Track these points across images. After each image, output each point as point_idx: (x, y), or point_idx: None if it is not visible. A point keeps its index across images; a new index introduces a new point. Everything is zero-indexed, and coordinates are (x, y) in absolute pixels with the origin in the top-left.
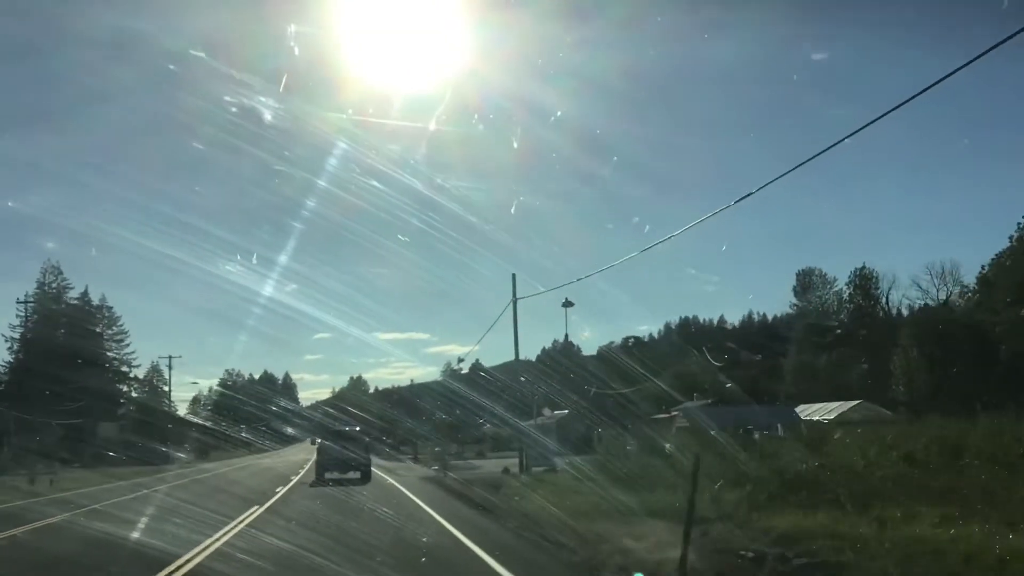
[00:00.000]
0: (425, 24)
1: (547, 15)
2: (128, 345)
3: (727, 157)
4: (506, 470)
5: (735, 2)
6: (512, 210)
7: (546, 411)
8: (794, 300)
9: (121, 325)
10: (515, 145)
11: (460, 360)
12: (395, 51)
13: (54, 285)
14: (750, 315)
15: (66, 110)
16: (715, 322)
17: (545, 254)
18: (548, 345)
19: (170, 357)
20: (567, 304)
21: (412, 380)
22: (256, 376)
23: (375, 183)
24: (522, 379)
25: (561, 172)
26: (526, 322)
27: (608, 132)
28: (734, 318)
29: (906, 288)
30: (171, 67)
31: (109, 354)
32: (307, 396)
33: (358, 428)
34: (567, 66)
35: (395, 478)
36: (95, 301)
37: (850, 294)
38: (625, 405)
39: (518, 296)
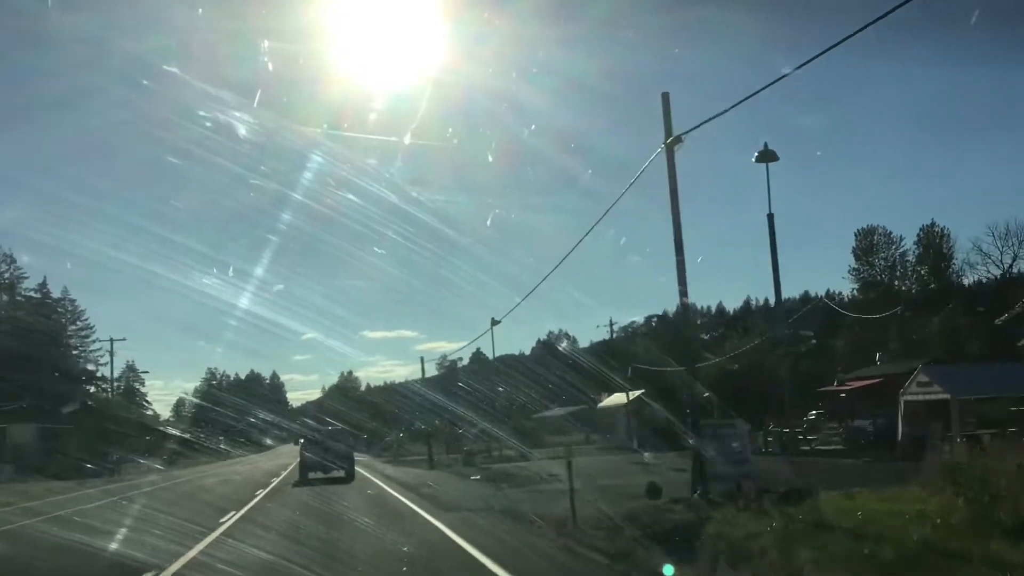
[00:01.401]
0: (398, 40)
1: (523, 32)
2: (94, 342)
3: (708, 160)
4: (653, 489)
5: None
6: (488, 222)
7: (603, 395)
8: (853, 264)
9: (86, 320)
10: (490, 158)
11: (496, 322)
12: (369, 66)
13: (7, 275)
14: (747, 301)
15: (38, 120)
16: (713, 308)
17: (521, 264)
18: (544, 337)
19: (111, 340)
20: (766, 156)
21: (422, 360)
22: (242, 376)
23: (351, 196)
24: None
25: (537, 181)
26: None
27: (586, 140)
28: (731, 305)
29: (967, 252)
30: (145, 82)
31: (74, 352)
32: (297, 397)
33: (340, 428)
34: (542, 78)
35: (437, 512)
36: (56, 294)
37: (918, 255)
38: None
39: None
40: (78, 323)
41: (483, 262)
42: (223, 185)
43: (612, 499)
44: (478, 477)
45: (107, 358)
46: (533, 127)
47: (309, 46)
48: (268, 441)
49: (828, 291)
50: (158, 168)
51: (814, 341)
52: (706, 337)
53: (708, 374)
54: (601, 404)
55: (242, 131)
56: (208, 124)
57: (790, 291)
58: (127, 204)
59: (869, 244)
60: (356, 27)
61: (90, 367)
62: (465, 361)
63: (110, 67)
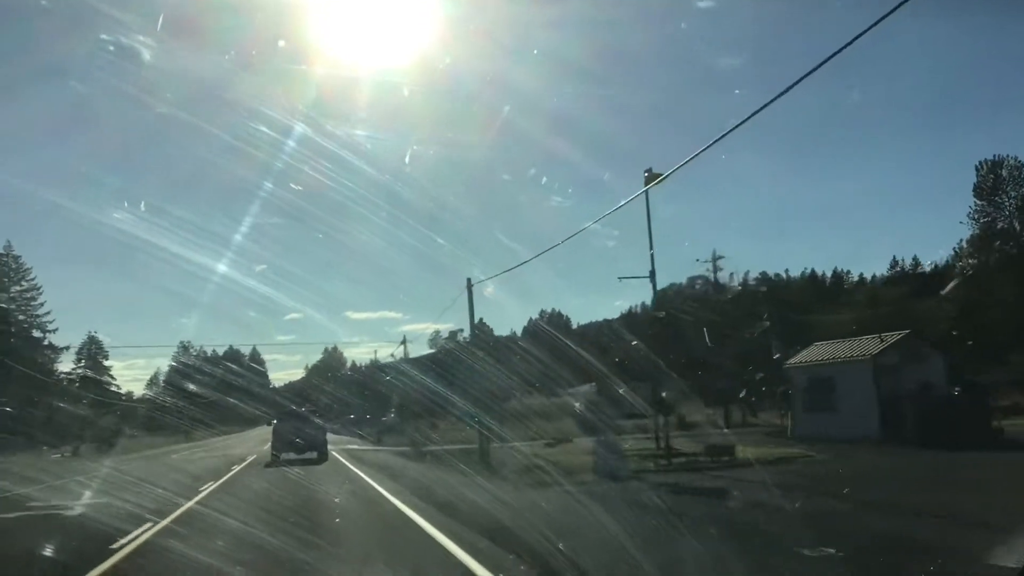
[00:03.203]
0: None
1: None
2: (42, 305)
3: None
4: None
5: None
6: (407, 158)
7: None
8: (976, 202)
9: (33, 280)
10: (406, 92)
11: (653, 186)
12: None
13: None
14: (746, 277)
15: None
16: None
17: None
18: (535, 316)
19: None
20: None
21: (473, 318)
22: (220, 352)
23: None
24: None
25: (456, 121)
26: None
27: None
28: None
29: None
30: (42, 2)
31: (20, 317)
32: (280, 376)
33: (313, 409)
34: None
35: None
36: None
37: None
38: None
39: None
40: (23, 283)
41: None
42: (130, 115)
43: None
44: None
45: (58, 324)
46: (448, 60)
47: None
48: (242, 421)
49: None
50: (58, 94)
51: None
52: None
53: None
54: (794, 361)
55: (146, 56)
56: (111, 48)
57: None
58: (22, 136)
59: (995, 180)
60: None
61: (36, 334)
62: (465, 333)
63: None
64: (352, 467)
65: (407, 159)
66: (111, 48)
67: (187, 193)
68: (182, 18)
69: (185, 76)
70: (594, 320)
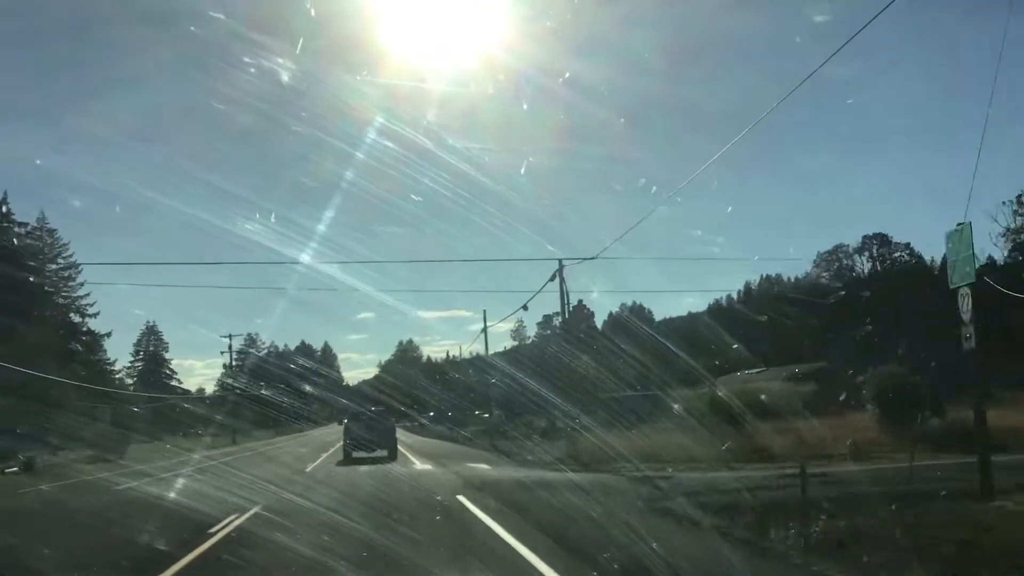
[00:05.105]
0: None
1: None
2: (82, 285)
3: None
4: None
5: None
6: (523, 169)
7: None
8: None
9: (70, 256)
10: (525, 107)
11: None
12: (407, 13)
13: None
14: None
15: (84, 66)
16: (793, 279)
17: (580, 229)
18: (615, 310)
19: None
20: None
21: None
22: (292, 347)
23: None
24: None
25: (571, 133)
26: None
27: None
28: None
29: None
30: (192, 28)
31: (57, 299)
32: (354, 375)
33: (383, 409)
34: (576, 28)
35: None
36: (26, 220)
37: None
38: None
39: None
40: (59, 261)
41: (544, 225)
42: (267, 133)
43: None
44: None
45: (98, 307)
46: (568, 74)
47: None
48: (311, 420)
49: None
50: (201, 114)
51: None
52: None
53: None
54: None
55: (285, 78)
56: (252, 71)
57: None
58: (168, 150)
59: None
60: None
61: (74, 318)
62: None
63: (159, 8)
64: None
65: (522, 169)
66: (252, 70)
67: (277, 196)
68: (321, 43)
69: (318, 95)
70: (673, 315)
